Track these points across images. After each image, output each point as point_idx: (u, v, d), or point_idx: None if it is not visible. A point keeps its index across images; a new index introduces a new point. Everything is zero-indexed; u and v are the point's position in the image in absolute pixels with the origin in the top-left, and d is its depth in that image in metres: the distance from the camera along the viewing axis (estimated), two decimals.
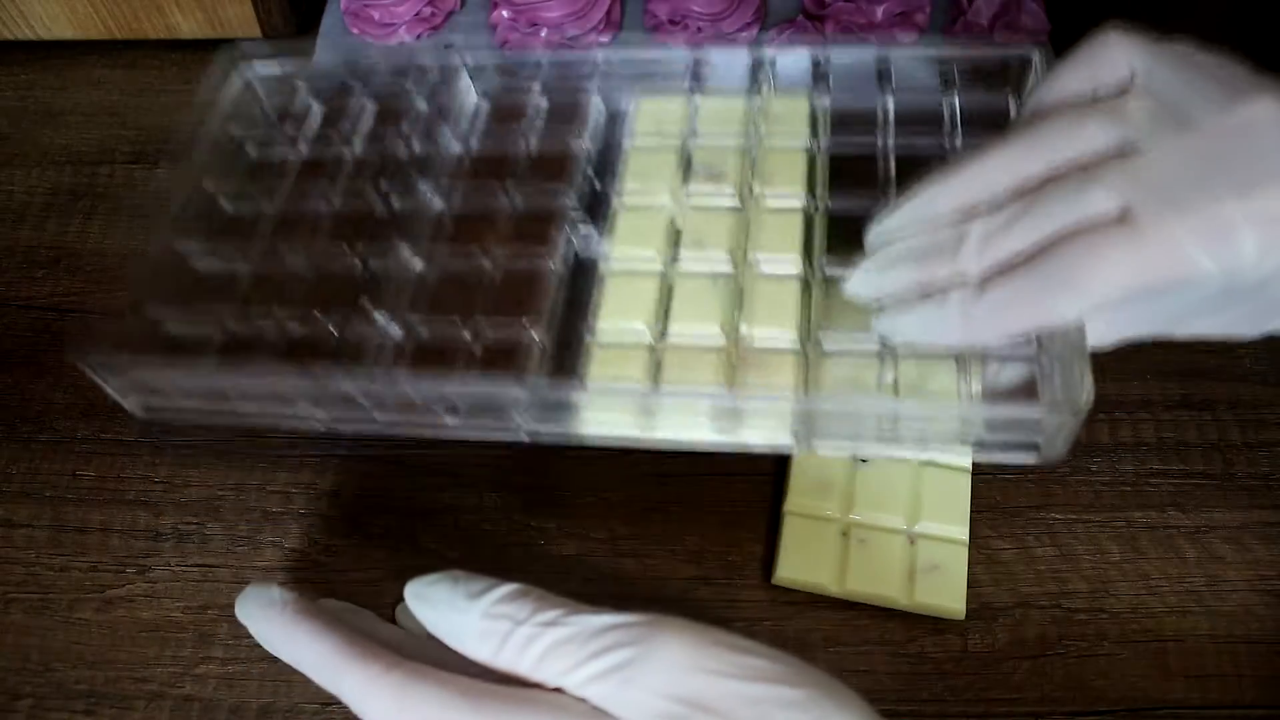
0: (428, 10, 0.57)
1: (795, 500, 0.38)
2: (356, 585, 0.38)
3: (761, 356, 0.33)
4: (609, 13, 0.56)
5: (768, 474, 0.40)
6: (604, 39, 0.56)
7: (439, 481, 0.41)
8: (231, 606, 0.37)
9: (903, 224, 0.30)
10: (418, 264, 0.37)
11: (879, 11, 0.54)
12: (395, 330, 0.35)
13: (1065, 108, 0.29)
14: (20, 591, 0.39)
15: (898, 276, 0.29)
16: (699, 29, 0.55)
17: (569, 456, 0.41)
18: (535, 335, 0.34)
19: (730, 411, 0.31)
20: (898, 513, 0.38)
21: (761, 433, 0.31)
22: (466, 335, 0.35)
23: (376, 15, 0.57)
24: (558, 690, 0.26)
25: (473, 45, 0.55)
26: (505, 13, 0.56)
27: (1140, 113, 0.27)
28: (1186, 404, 0.42)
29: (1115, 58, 0.28)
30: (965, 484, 0.38)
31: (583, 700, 0.26)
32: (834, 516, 0.38)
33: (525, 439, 0.32)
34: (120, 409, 0.37)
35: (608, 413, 0.32)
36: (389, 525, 0.40)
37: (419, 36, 0.57)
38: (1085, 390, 0.27)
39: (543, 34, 0.55)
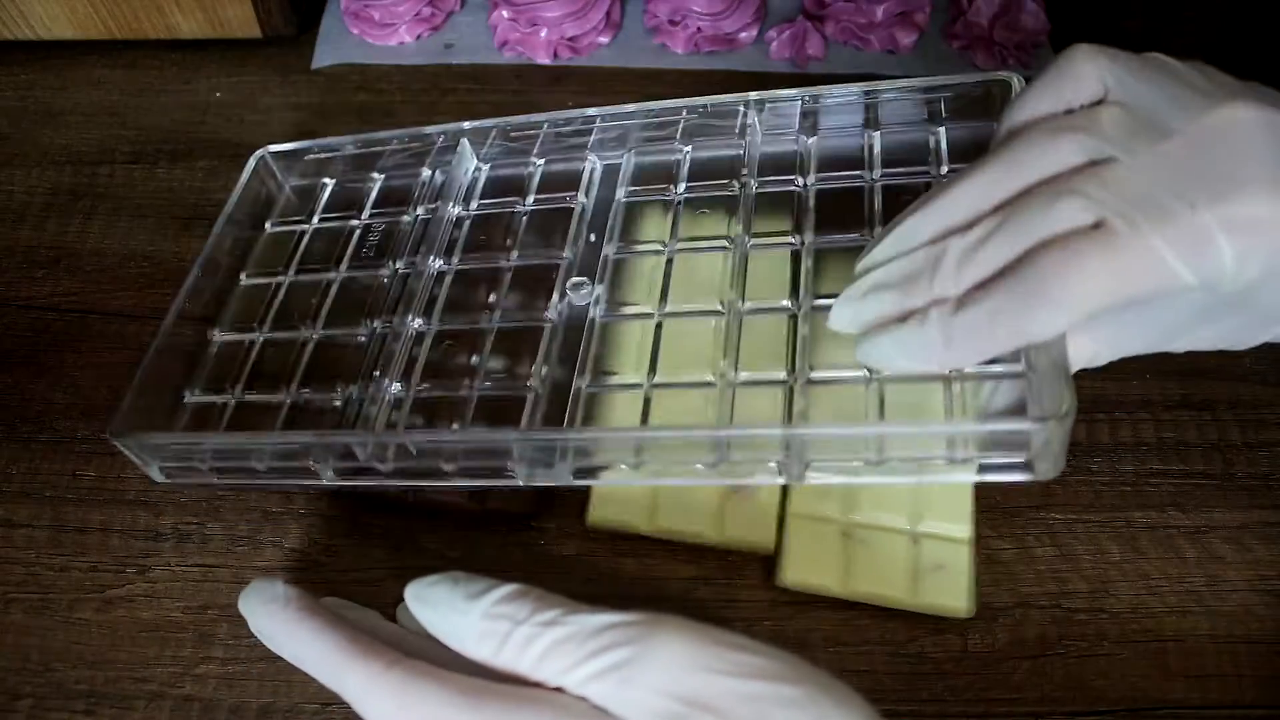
0: (428, 10, 0.57)
1: (798, 502, 0.38)
2: (356, 585, 0.38)
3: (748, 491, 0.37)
4: (609, 13, 0.56)
5: None
6: (604, 39, 0.56)
7: None
8: (231, 606, 0.38)
9: (888, 255, 0.30)
10: (419, 325, 0.39)
11: (879, 11, 0.54)
12: (397, 389, 0.37)
13: (1039, 126, 0.28)
14: (20, 591, 0.39)
15: (879, 303, 0.29)
16: (699, 28, 0.55)
17: None
18: (530, 386, 0.36)
19: (720, 449, 0.31)
20: (900, 512, 0.38)
21: (753, 469, 0.32)
22: (465, 391, 0.37)
23: (376, 15, 0.57)
24: (558, 689, 0.26)
25: (472, 49, 0.55)
26: (505, 13, 0.56)
27: (1113, 124, 0.27)
28: (1186, 404, 0.42)
29: (1085, 74, 0.28)
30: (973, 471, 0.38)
31: (583, 699, 0.26)
32: (837, 518, 0.38)
33: (522, 485, 0.34)
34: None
35: (602, 459, 0.33)
36: (389, 525, 0.40)
37: (419, 36, 0.58)
38: (1065, 401, 0.27)
39: (543, 34, 0.55)
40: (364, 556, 0.39)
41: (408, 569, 0.30)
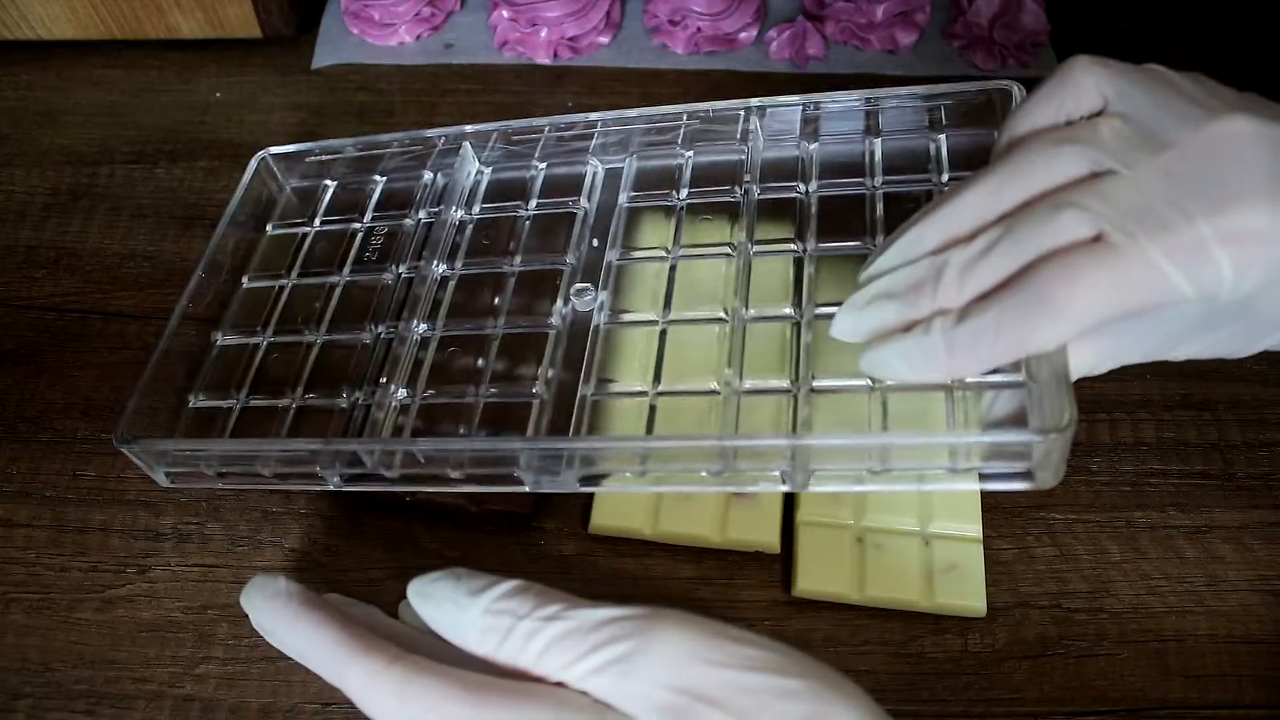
0: (427, 10, 0.57)
1: (808, 509, 0.38)
2: (357, 585, 0.38)
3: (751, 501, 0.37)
4: (609, 13, 0.56)
5: None
6: (604, 39, 0.57)
7: None
8: (232, 606, 0.38)
9: (891, 264, 0.30)
10: (424, 330, 0.39)
11: (879, 11, 0.54)
12: (402, 395, 0.37)
13: (1039, 137, 0.28)
14: (20, 591, 0.39)
15: (881, 313, 0.29)
16: (699, 28, 0.55)
17: None
18: (536, 393, 0.36)
19: (726, 458, 0.31)
20: (910, 514, 0.38)
21: (757, 477, 0.32)
22: (470, 397, 0.37)
23: (376, 15, 0.57)
24: (559, 684, 0.26)
25: (472, 49, 0.55)
26: (505, 13, 0.56)
27: (1112, 136, 0.27)
28: (1186, 404, 0.42)
29: (1085, 85, 0.28)
30: (973, 480, 0.38)
31: (584, 693, 0.26)
32: (847, 523, 0.38)
33: (527, 489, 0.34)
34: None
35: (608, 466, 0.33)
36: (389, 525, 0.40)
37: (419, 36, 0.58)
38: (1066, 412, 0.27)
39: (543, 34, 0.55)
40: (364, 557, 0.39)
41: (407, 569, 0.30)
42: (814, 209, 0.38)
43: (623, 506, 0.38)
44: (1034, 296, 0.26)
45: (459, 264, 0.41)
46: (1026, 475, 0.29)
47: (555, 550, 0.39)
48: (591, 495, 0.39)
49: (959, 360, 0.27)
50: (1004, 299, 0.27)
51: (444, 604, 0.28)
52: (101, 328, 0.46)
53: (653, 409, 0.35)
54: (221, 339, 0.42)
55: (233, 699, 0.36)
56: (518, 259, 0.40)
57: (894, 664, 0.36)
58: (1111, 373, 0.42)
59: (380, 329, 0.40)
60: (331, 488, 0.36)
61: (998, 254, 0.27)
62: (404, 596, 0.29)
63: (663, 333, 0.37)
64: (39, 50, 0.57)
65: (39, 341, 0.46)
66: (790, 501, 0.39)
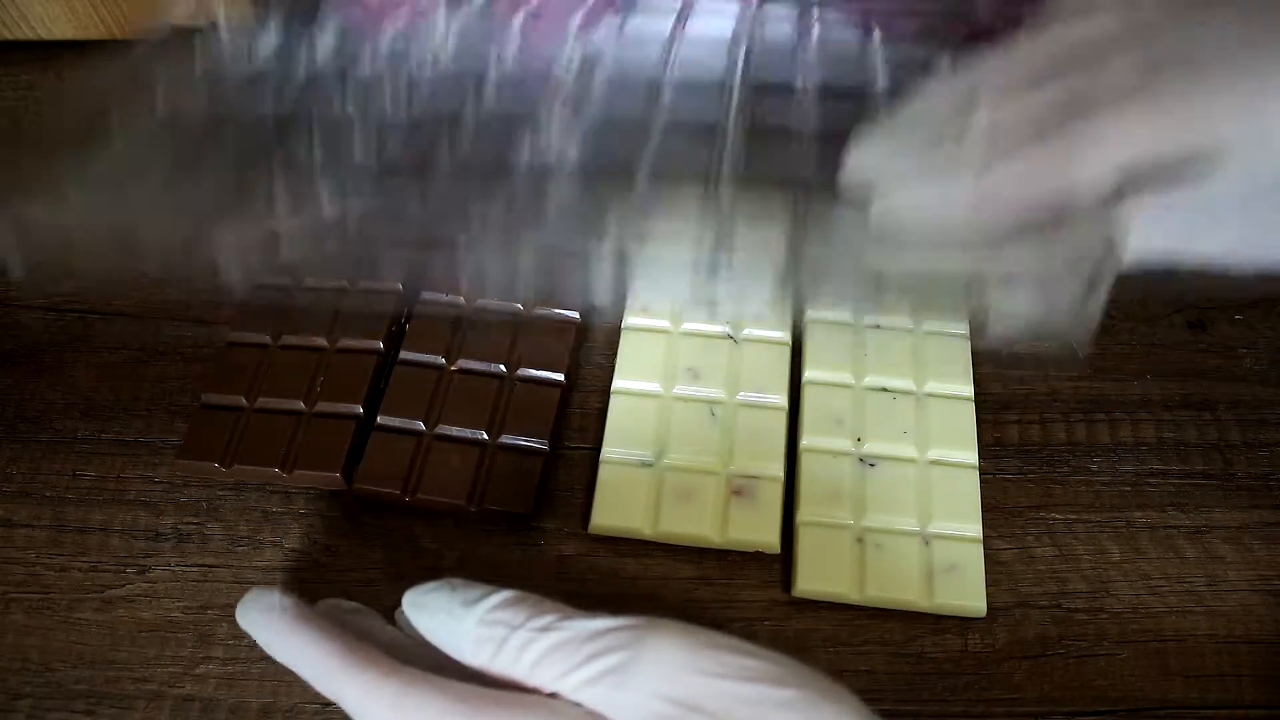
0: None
1: (807, 510, 0.38)
2: (356, 586, 0.38)
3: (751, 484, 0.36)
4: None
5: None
6: None
7: None
8: (232, 606, 0.37)
9: (921, 106, 0.29)
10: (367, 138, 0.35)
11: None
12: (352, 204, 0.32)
13: (1073, 3, 0.28)
14: (20, 591, 0.39)
15: (902, 157, 0.28)
16: None
17: (570, 456, 0.41)
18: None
19: (714, 269, 0.29)
20: (909, 514, 0.38)
21: (748, 295, 0.29)
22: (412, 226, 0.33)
23: None
24: (553, 695, 0.26)
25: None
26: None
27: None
28: (1186, 404, 0.42)
29: None
30: (974, 480, 0.39)
31: (578, 704, 0.26)
32: (848, 523, 0.38)
33: (463, 303, 0.29)
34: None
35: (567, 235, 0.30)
36: (388, 526, 0.40)
37: None
38: (1113, 256, 0.25)
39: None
40: (363, 557, 0.39)
41: (407, 570, 0.31)
42: (811, 101, 0.35)
43: (623, 506, 0.38)
44: (1075, 129, 0.25)
45: (415, 108, 0.36)
46: (1049, 319, 0.27)
47: (555, 550, 0.39)
48: (591, 495, 0.39)
49: (987, 199, 0.26)
50: (1042, 133, 0.26)
51: (439, 614, 0.28)
52: (102, 328, 0.46)
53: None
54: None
55: (233, 699, 0.36)
56: (484, 105, 0.36)
57: (894, 664, 0.36)
58: (1111, 373, 0.42)
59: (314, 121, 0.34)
60: (233, 287, 0.31)
61: (1037, 98, 0.26)
62: (401, 603, 0.29)
63: (640, 193, 0.33)
64: (39, 50, 0.57)
65: (39, 341, 0.46)
66: (790, 502, 0.39)
